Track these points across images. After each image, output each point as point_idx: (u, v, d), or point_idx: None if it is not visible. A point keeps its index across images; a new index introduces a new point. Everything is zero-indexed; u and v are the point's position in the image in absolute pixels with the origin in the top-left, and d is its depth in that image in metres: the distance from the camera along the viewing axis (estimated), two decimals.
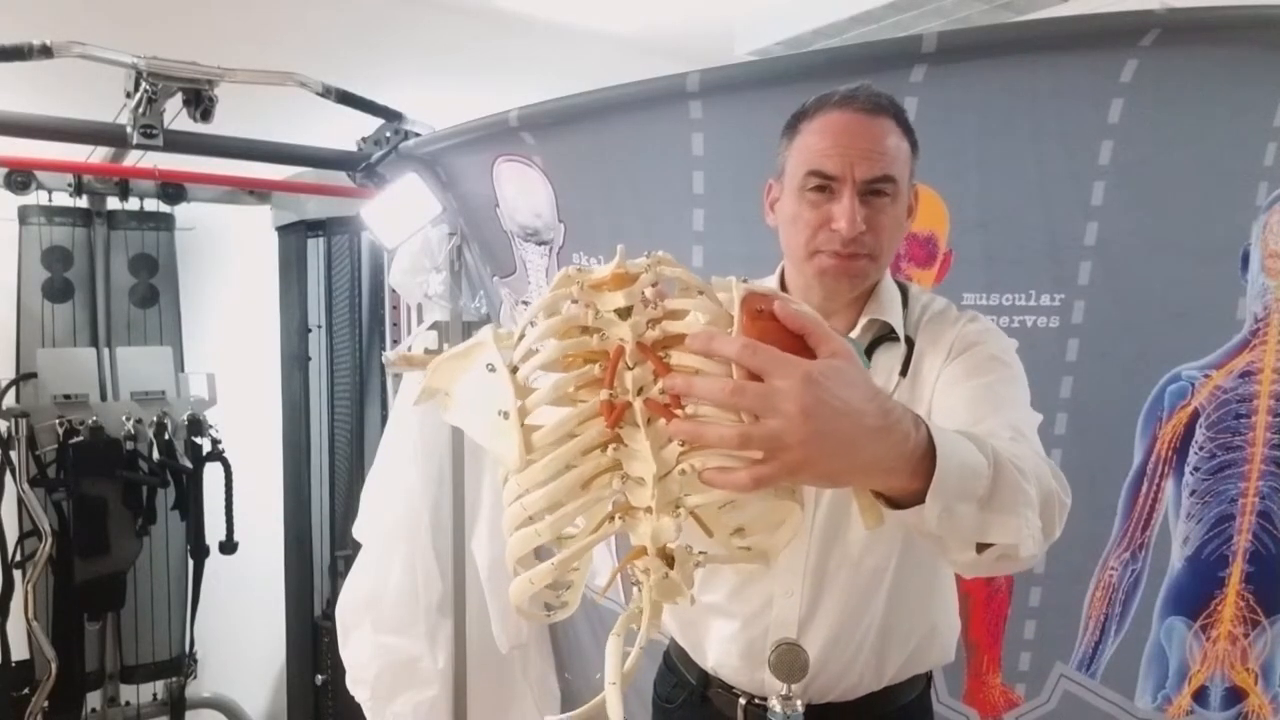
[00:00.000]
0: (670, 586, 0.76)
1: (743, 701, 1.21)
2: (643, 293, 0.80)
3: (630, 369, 0.77)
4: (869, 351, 1.17)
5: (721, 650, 1.22)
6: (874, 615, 1.17)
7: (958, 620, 1.28)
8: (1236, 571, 1.66)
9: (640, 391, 0.77)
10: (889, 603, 1.17)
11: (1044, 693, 1.74)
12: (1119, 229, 1.52)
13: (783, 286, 1.22)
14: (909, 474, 0.75)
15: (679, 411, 0.75)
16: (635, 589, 0.78)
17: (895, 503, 0.79)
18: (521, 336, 0.83)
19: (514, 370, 0.81)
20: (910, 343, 1.16)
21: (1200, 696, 1.72)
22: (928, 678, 1.28)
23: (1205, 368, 1.59)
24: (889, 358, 1.16)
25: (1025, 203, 1.54)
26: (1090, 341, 1.57)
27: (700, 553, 0.78)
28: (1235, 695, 1.72)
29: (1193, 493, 1.64)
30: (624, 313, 0.79)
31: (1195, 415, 1.61)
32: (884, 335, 1.17)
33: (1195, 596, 1.68)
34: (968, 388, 1.07)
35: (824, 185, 1.10)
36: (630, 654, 0.79)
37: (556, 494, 0.77)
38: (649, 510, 0.76)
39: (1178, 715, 1.72)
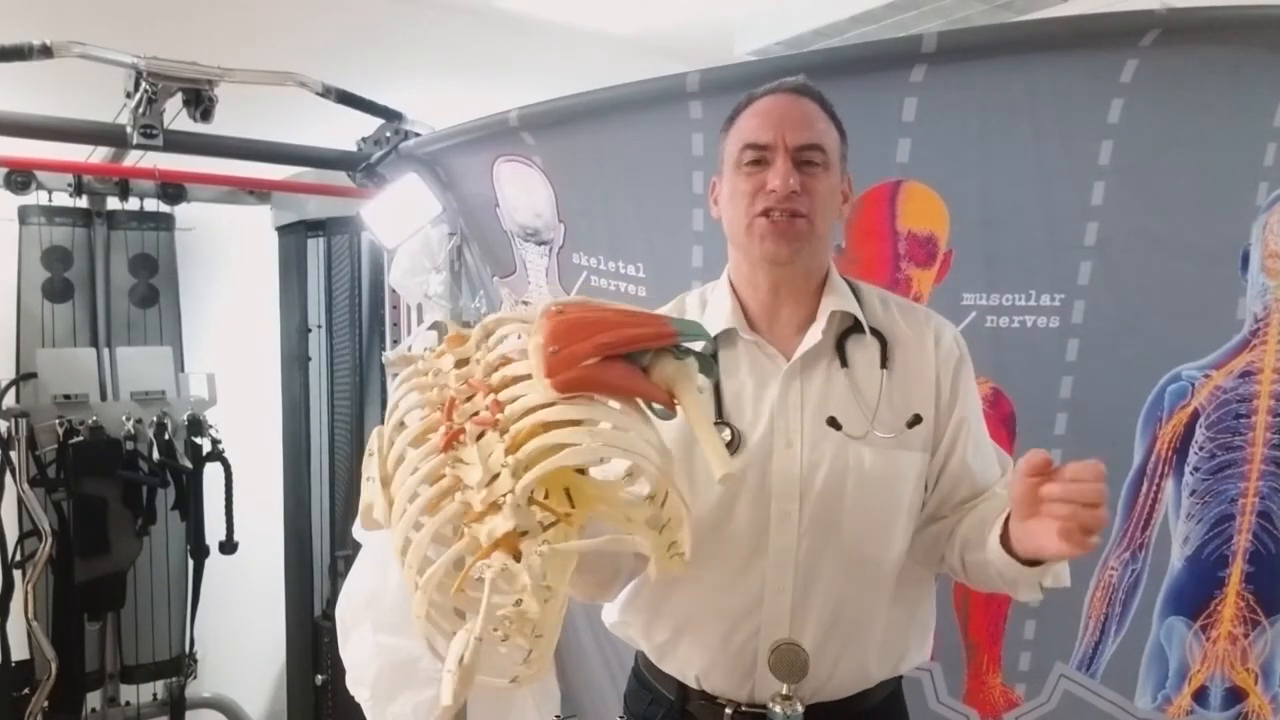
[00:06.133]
0: (510, 575, 0.81)
1: (729, 711, 1.18)
2: (475, 344, 0.93)
3: (467, 402, 0.89)
4: (840, 343, 1.18)
5: (709, 659, 1.19)
6: (868, 611, 1.17)
7: (933, 620, 1.29)
8: (1236, 571, 1.66)
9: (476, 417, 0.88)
10: (881, 599, 1.17)
11: (1044, 693, 1.74)
12: (1119, 229, 1.52)
13: (733, 290, 1.23)
14: None
15: (500, 416, 0.87)
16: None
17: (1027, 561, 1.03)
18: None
19: (389, 446, 0.93)
20: (880, 335, 1.19)
21: (1200, 696, 1.72)
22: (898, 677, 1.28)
23: (1205, 368, 1.59)
24: (864, 351, 1.19)
25: (1025, 203, 1.54)
26: (1090, 341, 1.57)
27: (544, 543, 0.82)
28: (1235, 695, 1.72)
29: (1193, 493, 1.64)
30: (462, 363, 0.94)
31: (1195, 415, 1.61)
32: (849, 328, 1.20)
33: (1195, 596, 1.68)
34: (975, 454, 1.20)
35: (759, 157, 1.14)
36: (470, 645, 0.82)
37: (410, 521, 0.86)
38: (480, 514, 0.83)
39: (1178, 715, 1.72)
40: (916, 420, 1.15)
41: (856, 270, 1.59)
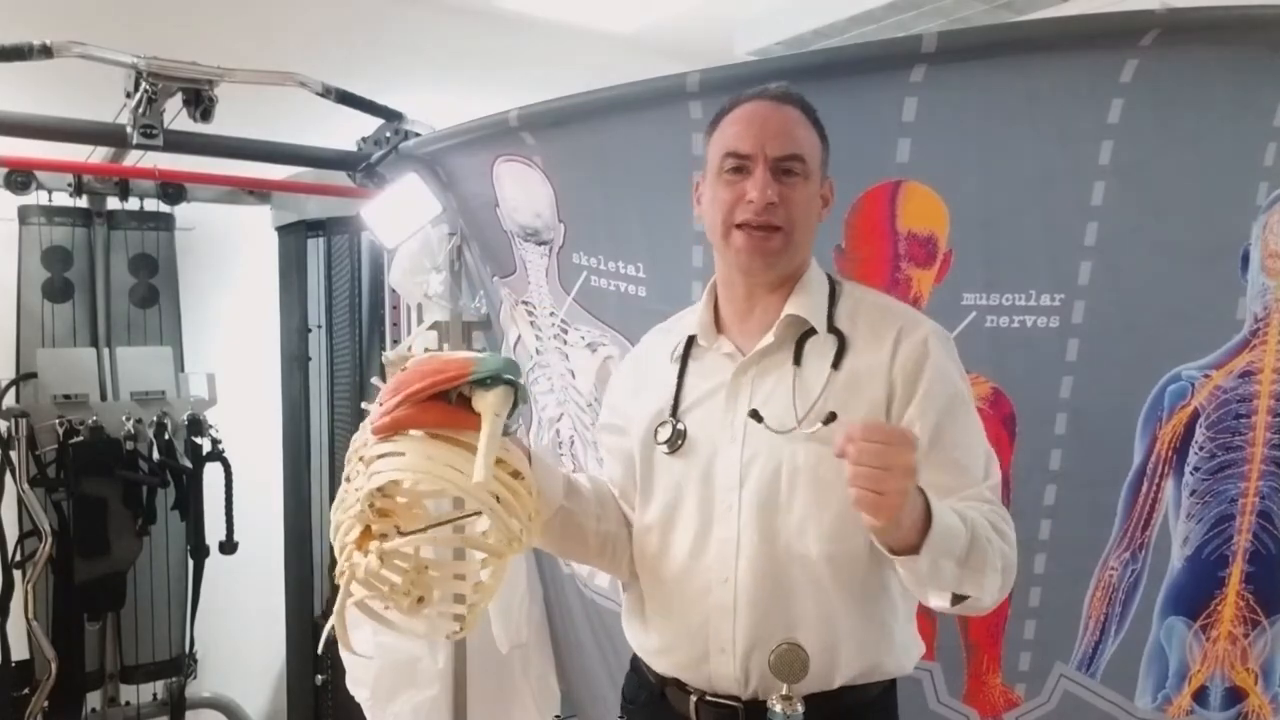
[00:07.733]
0: (352, 568, 1.09)
1: (694, 699, 1.23)
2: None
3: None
4: (799, 344, 1.21)
5: (668, 646, 1.25)
6: (817, 606, 1.17)
7: (919, 641, 1.27)
8: (1236, 571, 1.66)
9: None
10: (832, 595, 1.17)
11: (1044, 693, 1.74)
12: (1119, 229, 1.52)
13: (713, 294, 1.30)
14: (917, 531, 0.99)
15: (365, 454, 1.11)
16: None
17: (894, 550, 1.02)
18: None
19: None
20: (841, 335, 1.21)
21: (1200, 696, 1.72)
22: (890, 681, 1.26)
23: (1205, 368, 1.59)
24: (820, 350, 1.21)
25: (1025, 203, 1.54)
26: (1090, 341, 1.57)
27: (387, 542, 1.09)
28: (1235, 695, 1.72)
29: (1193, 493, 1.64)
30: None
31: (1195, 415, 1.61)
32: (808, 331, 1.22)
33: (1195, 596, 1.68)
34: (937, 459, 1.13)
35: (740, 166, 1.19)
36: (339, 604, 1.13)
37: (333, 530, 1.15)
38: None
39: (1178, 715, 1.73)
40: (832, 417, 1.14)
41: (856, 270, 1.59)
